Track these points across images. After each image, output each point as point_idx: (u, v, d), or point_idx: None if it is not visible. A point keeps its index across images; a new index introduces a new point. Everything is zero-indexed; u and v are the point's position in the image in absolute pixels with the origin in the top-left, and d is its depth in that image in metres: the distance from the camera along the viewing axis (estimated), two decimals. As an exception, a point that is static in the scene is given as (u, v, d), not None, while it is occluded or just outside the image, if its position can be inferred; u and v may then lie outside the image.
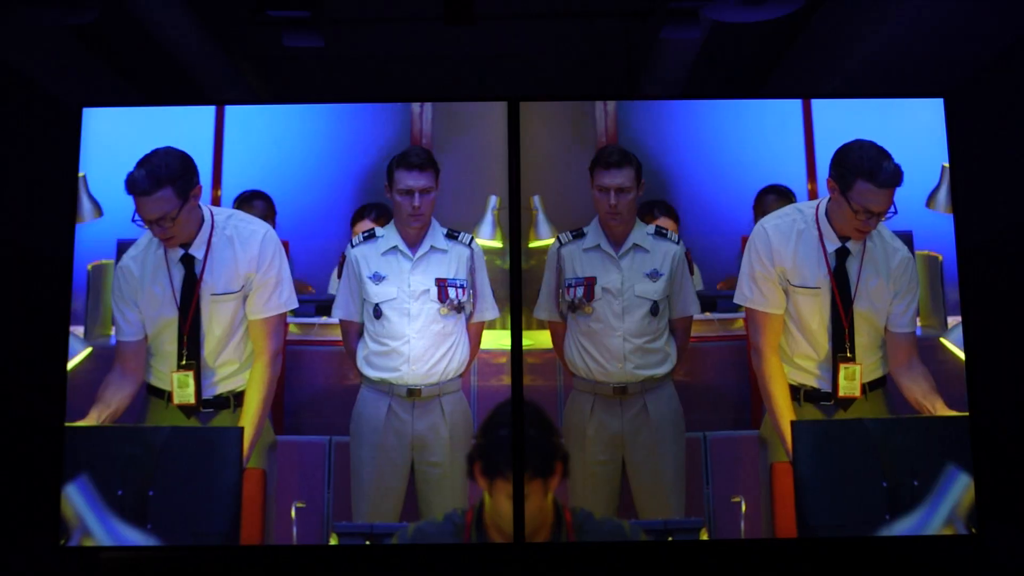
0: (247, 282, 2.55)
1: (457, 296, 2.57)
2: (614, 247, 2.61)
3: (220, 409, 2.54)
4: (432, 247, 2.60)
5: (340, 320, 2.59)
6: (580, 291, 2.58)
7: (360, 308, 2.58)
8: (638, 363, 2.55)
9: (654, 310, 2.57)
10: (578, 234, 2.63)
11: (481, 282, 2.61)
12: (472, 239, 2.62)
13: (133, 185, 2.47)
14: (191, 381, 2.50)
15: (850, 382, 2.54)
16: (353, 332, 2.59)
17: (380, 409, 2.54)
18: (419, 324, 2.55)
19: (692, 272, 2.65)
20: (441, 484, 2.53)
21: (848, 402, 2.55)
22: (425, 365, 2.54)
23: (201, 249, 2.54)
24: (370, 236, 2.60)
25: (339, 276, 2.63)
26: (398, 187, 2.56)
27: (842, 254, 2.55)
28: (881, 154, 2.52)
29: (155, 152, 2.52)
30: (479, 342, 2.61)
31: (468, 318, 2.60)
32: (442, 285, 2.57)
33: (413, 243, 2.60)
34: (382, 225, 2.63)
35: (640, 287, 2.58)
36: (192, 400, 2.51)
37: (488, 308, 2.61)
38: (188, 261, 2.53)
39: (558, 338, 2.62)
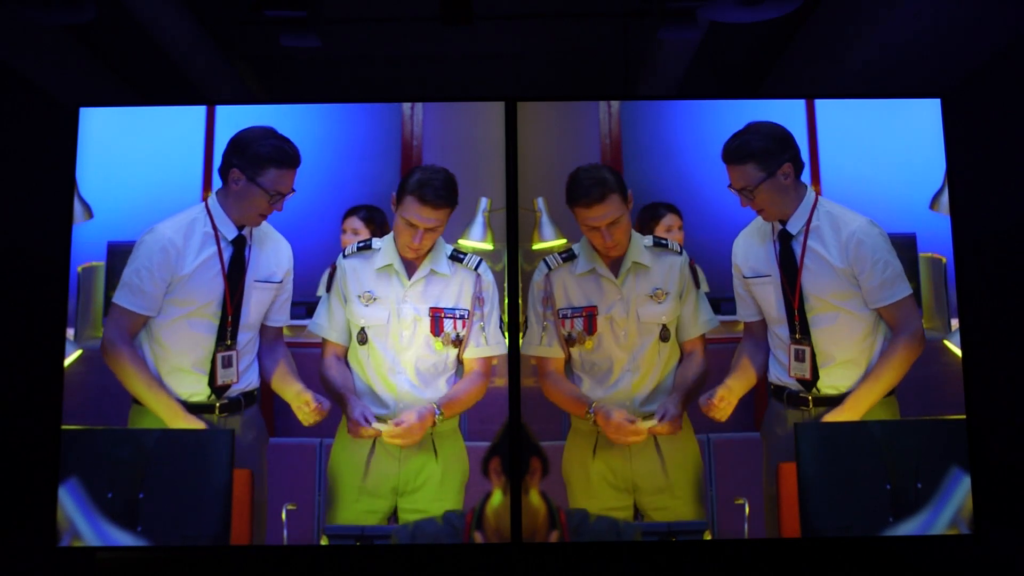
0: (285, 280, 2.43)
1: (455, 328, 2.26)
2: (612, 270, 2.30)
3: (233, 412, 2.40)
4: (432, 271, 2.31)
5: (322, 339, 2.32)
6: (579, 323, 2.27)
7: (343, 329, 2.29)
8: (648, 398, 2.24)
9: (664, 335, 2.27)
10: (568, 256, 2.32)
11: (489, 312, 2.28)
12: (480, 262, 2.32)
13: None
14: (234, 360, 2.39)
15: (799, 363, 2.38)
16: (329, 353, 2.29)
17: (364, 446, 2.27)
18: (410, 356, 2.27)
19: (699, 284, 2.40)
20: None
21: (825, 401, 2.44)
22: (416, 403, 2.26)
23: (249, 234, 2.42)
24: (365, 247, 2.33)
25: (329, 279, 2.53)
26: (404, 214, 2.27)
27: (784, 237, 2.40)
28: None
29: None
30: (484, 380, 2.25)
31: (466, 350, 2.28)
32: (437, 315, 2.27)
33: (411, 263, 2.35)
34: (370, 227, 2.47)
35: (645, 311, 2.26)
36: (235, 379, 2.39)
37: (494, 342, 2.26)
38: (240, 242, 2.39)
39: (554, 379, 2.23)
